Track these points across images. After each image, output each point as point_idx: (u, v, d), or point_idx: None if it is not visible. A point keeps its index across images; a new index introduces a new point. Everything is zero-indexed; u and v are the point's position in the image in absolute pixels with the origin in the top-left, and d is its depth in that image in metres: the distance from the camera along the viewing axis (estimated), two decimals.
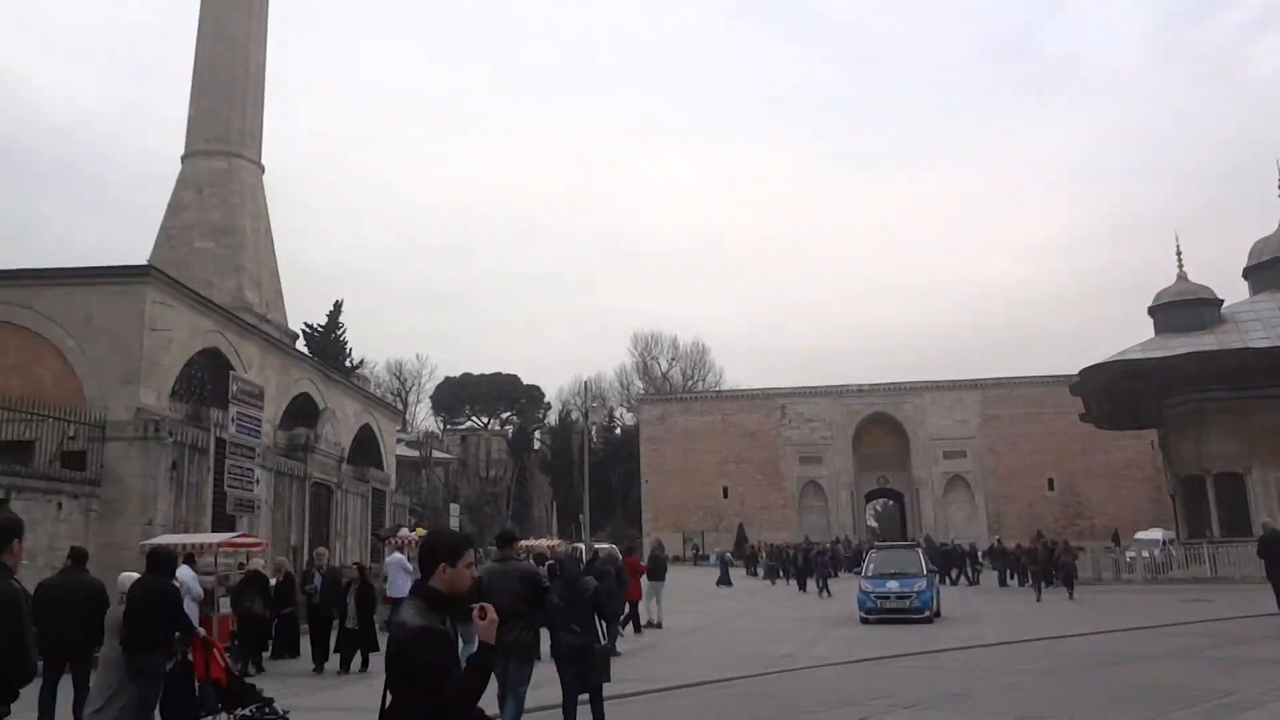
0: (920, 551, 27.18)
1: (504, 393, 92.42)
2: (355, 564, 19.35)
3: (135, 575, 10.02)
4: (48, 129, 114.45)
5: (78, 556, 11.03)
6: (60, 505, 19.99)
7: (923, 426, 73.47)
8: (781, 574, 45.67)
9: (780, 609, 29.87)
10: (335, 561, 27.26)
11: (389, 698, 4.06)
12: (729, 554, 52.92)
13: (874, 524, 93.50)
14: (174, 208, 38.51)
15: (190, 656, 9.53)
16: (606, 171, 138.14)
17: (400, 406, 78.28)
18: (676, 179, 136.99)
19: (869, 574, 24.03)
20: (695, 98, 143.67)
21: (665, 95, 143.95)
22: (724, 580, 42.49)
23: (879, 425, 75.11)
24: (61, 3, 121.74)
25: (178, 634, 9.48)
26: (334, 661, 16.35)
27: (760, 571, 51.63)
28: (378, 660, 15.81)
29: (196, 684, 9.51)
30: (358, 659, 16.16)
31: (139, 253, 41.61)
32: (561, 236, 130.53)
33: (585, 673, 9.44)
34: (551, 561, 15.76)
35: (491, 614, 4.03)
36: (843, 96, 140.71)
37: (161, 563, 9.82)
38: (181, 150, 39.79)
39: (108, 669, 9.22)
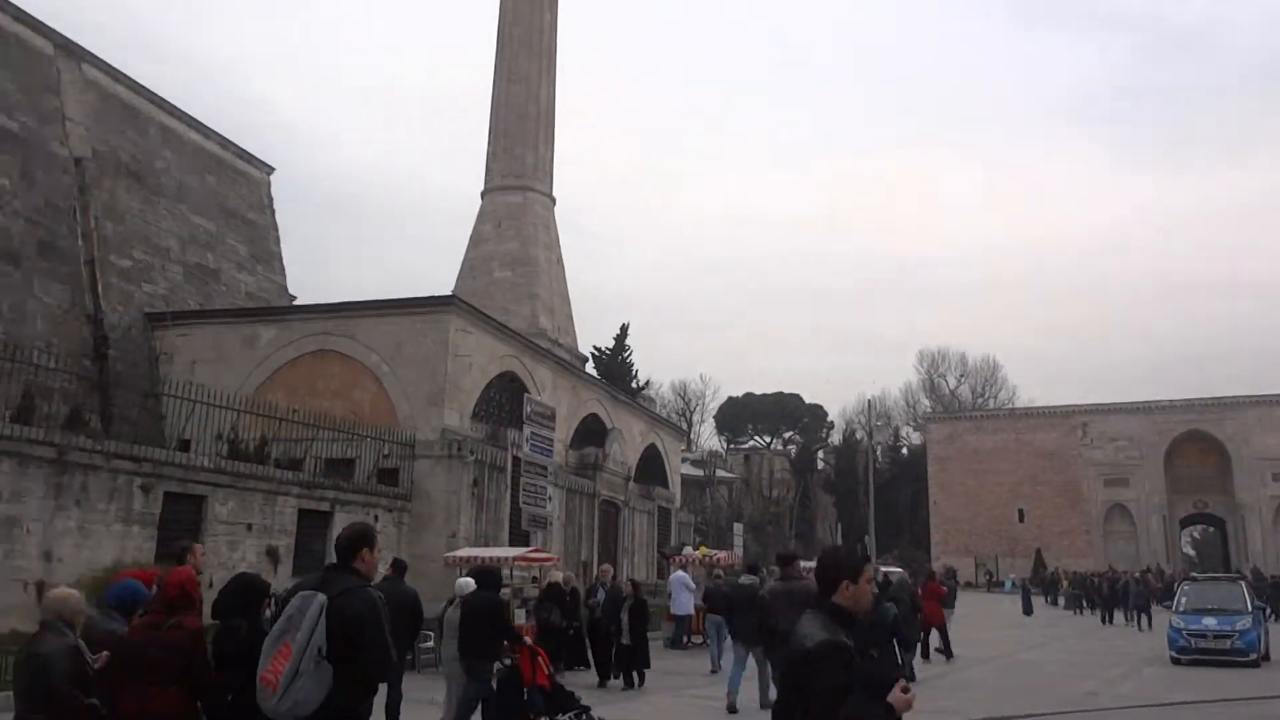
0: (1244, 585, 24.46)
1: (786, 412, 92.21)
2: (631, 581, 19.79)
3: (471, 581, 10.77)
4: (362, 176, 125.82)
5: (399, 568, 11.91)
6: (376, 518, 21.79)
7: (1247, 445, 66.62)
8: (1085, 604, 42.79)
9: (1084, 642, 27.91)
10: (623, 577, 28.13)
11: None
12: (1026, 581, 50.11)
13: (1190, 552, 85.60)
14: (475, 240, 41.24)
15: (517, 663, 10.48)
16: (877, 185, 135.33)
17: (684, 426, 79.81)
18: (952, 190, 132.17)
19: (1181, 609, 21.90)
20: (968, 106, 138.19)
21: (931, 104, 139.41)
22: (1027, 609, 40.30)
23: (1195, 444, 68.81)
24: (364, 62, 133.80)
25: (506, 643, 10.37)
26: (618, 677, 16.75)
27: (1060, 600, 48.59)
28: (651, 678, 16.11)
29: (525, 690, 10.52)
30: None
31: (443, 283, 44.87)
32: (833, 252, 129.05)
33: (879, 695, 9.16)
34: None
35: (911, 693, 4.02)
36: (1133, 90, 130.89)
37: (488, 578, 10.66)
38: (480, 187, 42.58)
39: (451, 669, 10.41)
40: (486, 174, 42.73)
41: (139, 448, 17.48)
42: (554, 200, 43.06)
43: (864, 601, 4.20)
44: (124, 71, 28.51)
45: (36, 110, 25.08)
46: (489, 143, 43.47)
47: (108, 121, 27.46)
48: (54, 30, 26.30)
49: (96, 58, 27.59)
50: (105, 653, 5.63)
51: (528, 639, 11.09)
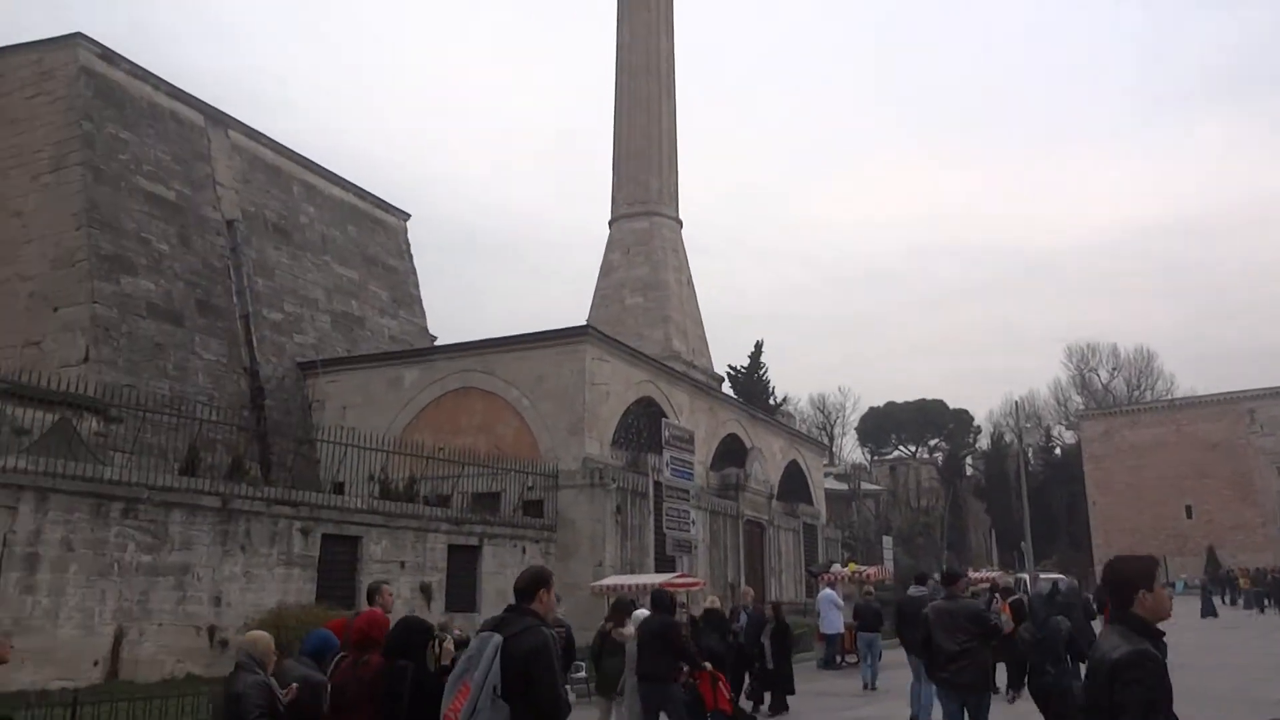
0: None
1: (930, 419, 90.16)
2: (772, 604, 19.64)
3: (646, 612, 11.00)
4: (493, 215, 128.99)
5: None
6: (524, 550, 22.27)
7: None
8: (1268, 602, 40.32)
9: (1271, 644, 26.34)
10: (770, 596, 27.97)
11: None
12: (1205, 581, 47.38)
13: None
14: (605, 269, 41.83)
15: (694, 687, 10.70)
16: (1012, 182, 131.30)
17: (825, 440, 78.88)
18: (1085, 179, 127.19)
19: None
20: (1100, 89, 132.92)
21: (1058, 93, 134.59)
22: (1207, 610, 37.77)
23: None
24: (491, 103, 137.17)
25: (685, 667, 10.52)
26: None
27: (1240, 600, 45.89)
28: (803, 700, 15.91)
29: (707, 714, 10.78)
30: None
31: (577, 314, 45.58)
32: (965, 253, 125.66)
33: (1064, 713, 8.93)
34: (1017, 597, 14.91)
35: None
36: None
37: (663, 602, 10.85)
38: (608, 215, 43.20)
39: (631, 695, 10.56)
40: (613, 203, 43.36)
41: (297, 492, 18.34)
42: (680, 223, 43.36)
43: (1163, 609, 4.02)
44: (266, 134, 30.12)
45: (190, 178, 26.70)
46: (614, 171, 44.12)
47: (254, 183, 29.01)
48: (204, 102, 28.01)
49: (241, 123, 29.22)
50: (294, 685, 6.18)
51: (707, 664, 11.16)
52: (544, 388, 25.06)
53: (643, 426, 27.45)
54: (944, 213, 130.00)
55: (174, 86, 27.19)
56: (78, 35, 25.10)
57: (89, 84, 24.81)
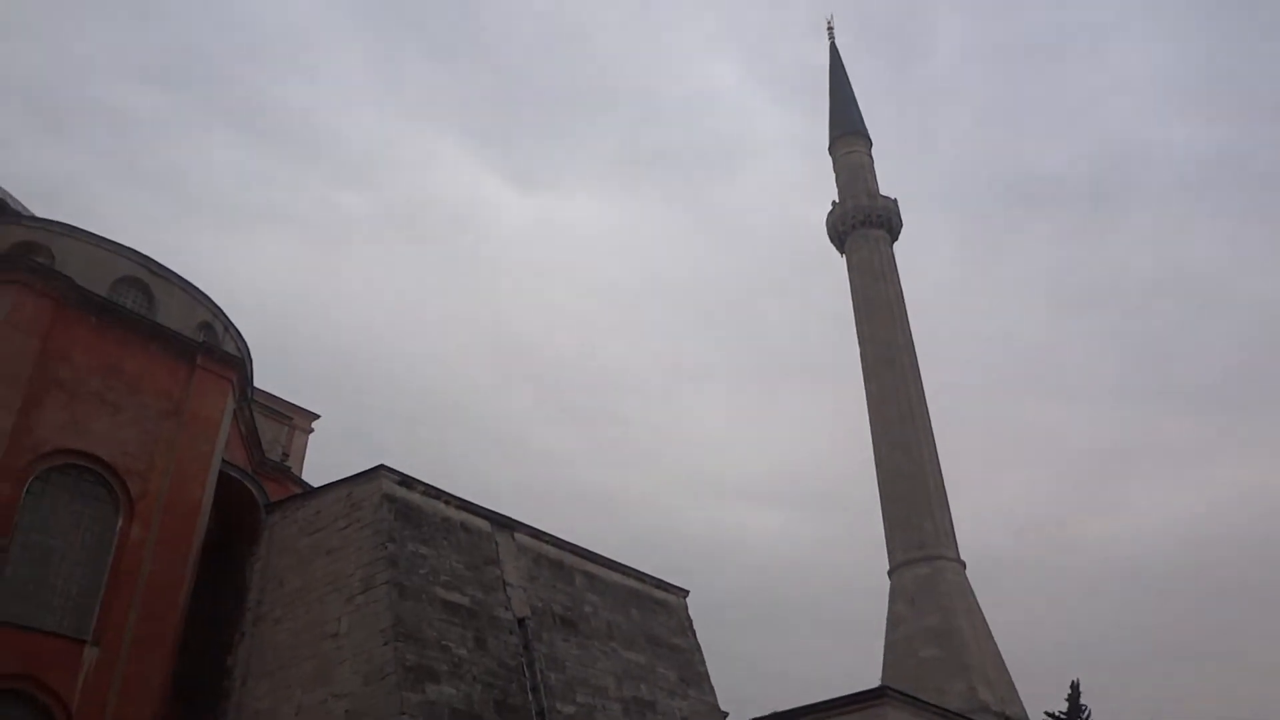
0: None
1: None
2: None
3: None
4: (761, 574, 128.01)
5: None
6: None
7: None
8: None
9: None
10: None
11: None
12: None
13: None
14: (892, 621, 40.09)
15: None
16: None
17: None
18: None
19: None
20: None
21: None
22: None
23: None
24: (758, 468, 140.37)
25: None
26: None
27: None
28: None
29: None
30: None
31: (865, 672, 43.39)
32: None
33: None
34: None
35: None
36: None
37: None
38: (885, 565, 42.01)
39: None
40: (889, 551, 42.29)
41: None
42: (963, 563, 41.48)
43: None
44: (548, 533, 31.85)
45: (482, 582, 28.27)
46: (884, 518, 43.38)
47: (540, 579, 30.33)
48: (490, 510, 30.20)
49: (525, 525, 31.14)
50: None
51: None
52: None
53: None
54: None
55: (463, 500, 29.57)
56: (381, 467, 28.06)
57: (390, 508, 27.35)
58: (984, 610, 40.93)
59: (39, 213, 37.13)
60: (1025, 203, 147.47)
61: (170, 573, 27.33)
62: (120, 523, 27.01)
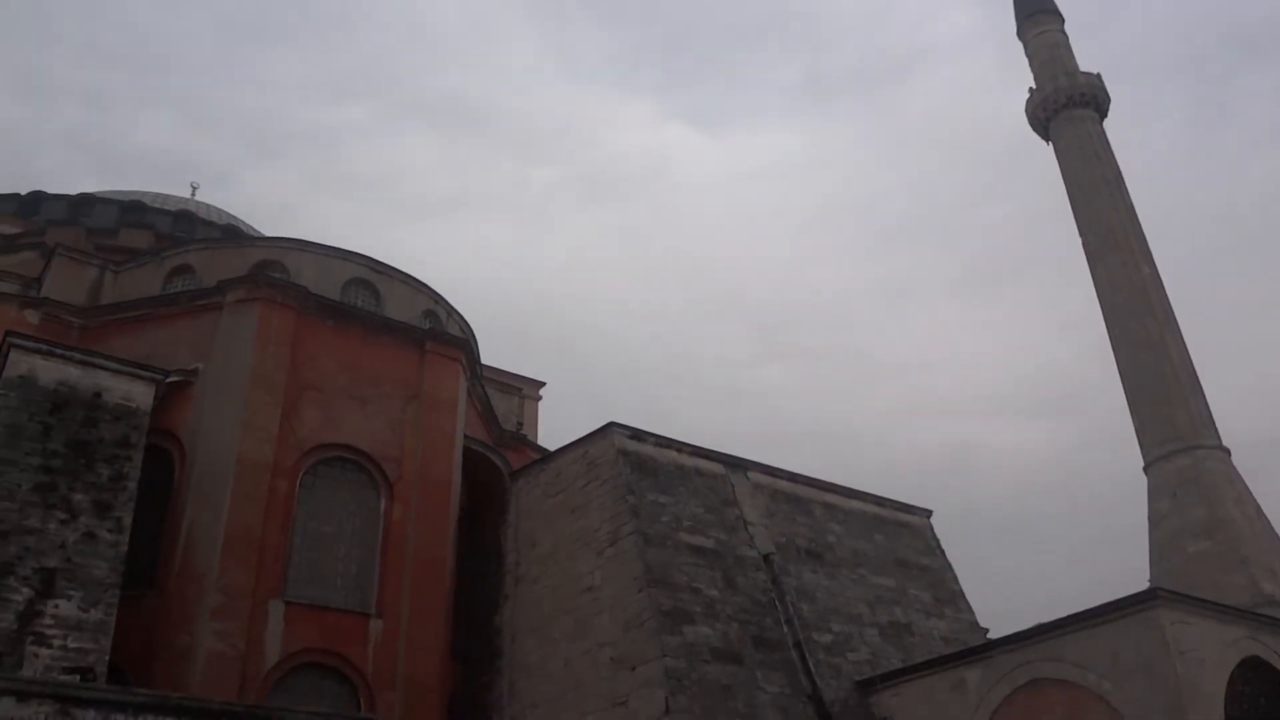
0: None
1: None
2: None
3: None
4: (1011, 487, 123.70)
5: None
6: None
7: None
8: None
9: None
10: None
11: None
12: None
13: None
14: (1154, 519, 38.11)
15: None
16: None
17: None
18: None
19: None
20: None
21: None
22: None
23: None
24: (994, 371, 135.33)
25: None
26: None
27: None
28: None
29: None
30: None
31: (1132, 575, 41.40)
32: None
33: None
34: None
35: None
36: None
37: None
38: (1139, 462, 39.87)
39: None
40: (1142, 448, 40.13)
41: None
42: (1227, 451, 38.84)
43: None
44: (782, 468, 32.02)
45: (723, 523, 28.79)
46: (1132, 415, 41.13)
47: (779, 515, 30.58)
48: (721, 453, 30.65)
49: (759, 464, 31.44)
50: None
51: None
52: (1122, 666, 22.45)
53: (1258, 693, 23.42)
54: None
55: (695, 446, 30.12)
56: (612, 424, 28.92)
57: (626, 462, 28.19)
58: (1258, 499, 38.28)
59: (268, 233, 40.09)
60: (1248, 50, 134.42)
61: (433, 546, 29.26)
62: (383, 504, 29.12)
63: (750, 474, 31.10)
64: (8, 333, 26.09)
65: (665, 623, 25.02)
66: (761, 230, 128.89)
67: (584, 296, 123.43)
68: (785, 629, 27.32)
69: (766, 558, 28.78)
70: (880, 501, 34.47)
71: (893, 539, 33.61)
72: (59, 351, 26.03)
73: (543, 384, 45.90)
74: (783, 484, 31.81)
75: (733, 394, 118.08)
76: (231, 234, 39.47)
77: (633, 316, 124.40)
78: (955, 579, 34.02)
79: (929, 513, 35.73)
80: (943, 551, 34.73)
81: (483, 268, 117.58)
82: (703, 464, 30.16)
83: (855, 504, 33.63)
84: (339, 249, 33.90)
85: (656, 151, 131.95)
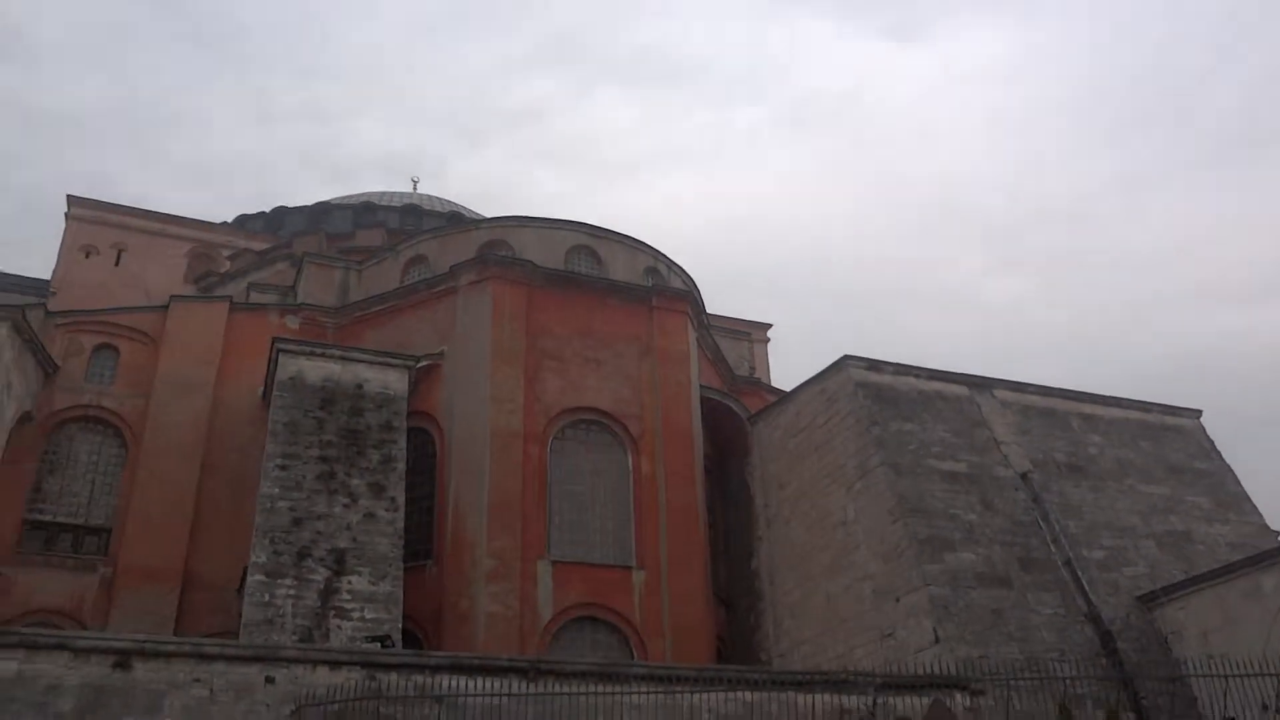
0: None
1: None
2: None
3: None
4: None
5: None
6: None
7: None
8: None
9: None
10: None
11: None
12: None
13: None
14: None
15: None
16: None
17: None
18: None
19: None
20: None
21: None
22: None
23: None
24: None
25: None
26: None
27: None
28: None
29: None
30: None
31: None
32: None
33: None
34: None
35: None
36: None
37: None
38: None
39: None
40: None
41: None
42: None
43: None
44: (1031, 383, 30.72)
45: (973, 446, 27.94)
46: None
47: (1032, 431, 29.36)
48: (962, 374, 29.74)
49: (1004, 381, 30.35)
50: None
51: None
52: None
53: None
54: None
55: (934, 370, 29.33)
56: (846, 358, 28.54)
57: (865, 393, 27.78)
58: None
59: (488, 214, 41.70)
60: None
61: (683, 496, 29.85)
62: (630, 460, 29.94)
63: (996, 392, 29.98)
64: (275, 339, 28.50)
65: (925, 551, 24.60)
66: (978, 139, 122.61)
67: (801, 231, 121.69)
68: (1052, 548, 26.30)
69: (1024, 476, 27.73)
70: (1143, 407, 32.44)
71: (1161, 444, 31.59)
72: (320, 351, 28.31)
73: (769, 326, 45.79)
74: (1033, 399, 30.49)
75: (968, 309, 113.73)
76: (455, 220, 41.23)
77: (854, 244, 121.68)
78: (1236, 481, 31.64)
79: (1198, 413, 33.32)
80: (1219, 453, 32.33)
81: (695, 217, 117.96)
82: (945, 387, 29.31)
83: (1115, 412, 31.82)
84: (558, 220, 34.84)
85: (855, 72, 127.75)
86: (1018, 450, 28.52)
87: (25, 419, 28.37)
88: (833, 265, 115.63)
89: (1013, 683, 18.33)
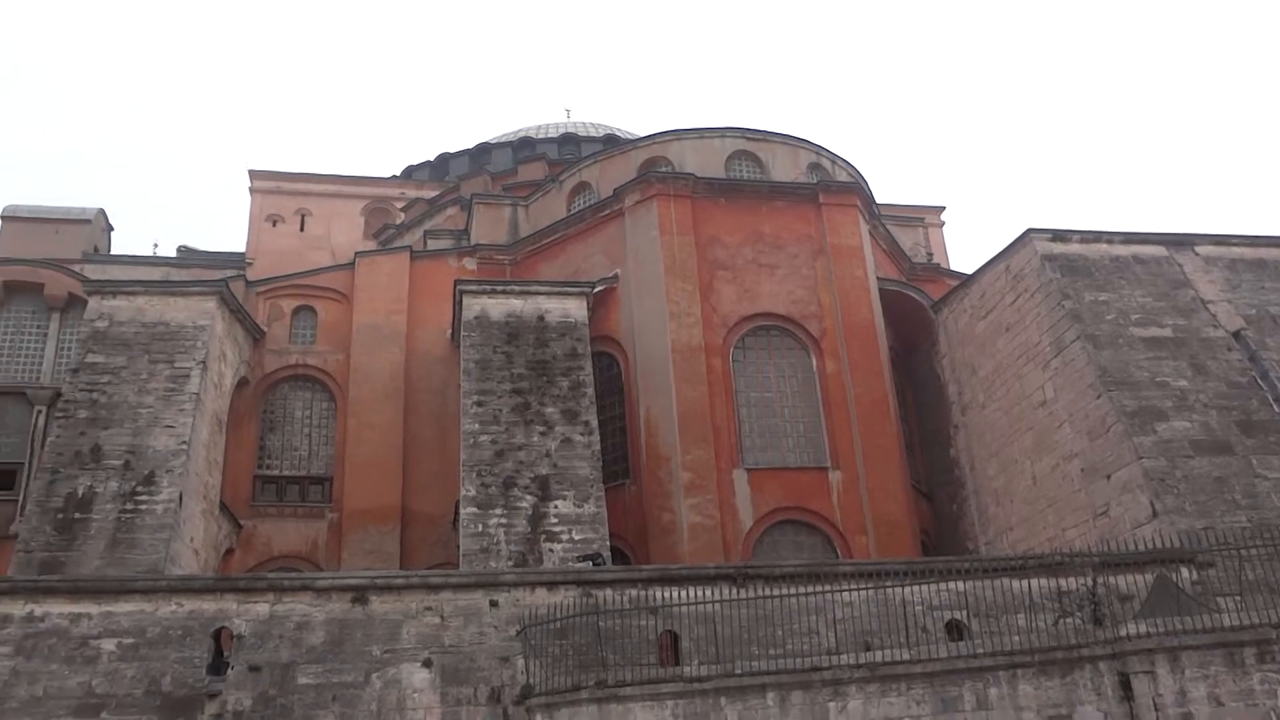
0: None
1: None
2: None
3: None
4: None
5: None
6: None
7: None
8: None
9: None
10: None
11: None
12: None
13: None
14: None
15: None
16: None
17: None
18: None
19: None
20: None
21: None
22: None
23: None
24: None
25: None
26: None
27: None
28: None
29: None
30: None
31: None
32: None
33: None
34: None
35: None
36: None
37: None
38: None
39: None
40: None
41: None
42: None
43: None
44: (1237, 235, 28.68)
45: (1177, 308, 26.39)
46: None
47: (1242, 286, 27.43)
48: (1160, 233, 28.11)
49: (1206, 235, 28.48)
50: None
51: None
52: None
53: None
54: None
55: (1126, 233, 27.74)
56: (1029, 231, 27.30)
57: (1053, 266, 26.54)
58: None
59: (643, 132, 41.51)
60: None
61: (872, 391, 29.44)
62: (814, 362, 29.72)
63: (1199, 248, 28.08)
64: (456, 282, 29.48)
65: (1134, 424, 23.55)
66: None
67: (960, 102, 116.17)
68: (1276, 408, 24.68)
69: (1237, 335, 26.02)
70: None
71: None
72: (500, 288, 29.16)
73: (943, 208, 44.17)
74: (1241, 250, 28.41)
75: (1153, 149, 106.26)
76: (612, 143, 41.21)
77: (1017, 109, 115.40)
78: None
79: None
80: None
81: (849, 103, 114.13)
82: (1140, 250, 27.68)
83: None
84: (713, 128, 34.36)
85: None
86: (1227, 308, 26.74)
87: (242, 384, 30.48)
88: (1003, 131, 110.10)
89: (1243, 552, 17.40)
